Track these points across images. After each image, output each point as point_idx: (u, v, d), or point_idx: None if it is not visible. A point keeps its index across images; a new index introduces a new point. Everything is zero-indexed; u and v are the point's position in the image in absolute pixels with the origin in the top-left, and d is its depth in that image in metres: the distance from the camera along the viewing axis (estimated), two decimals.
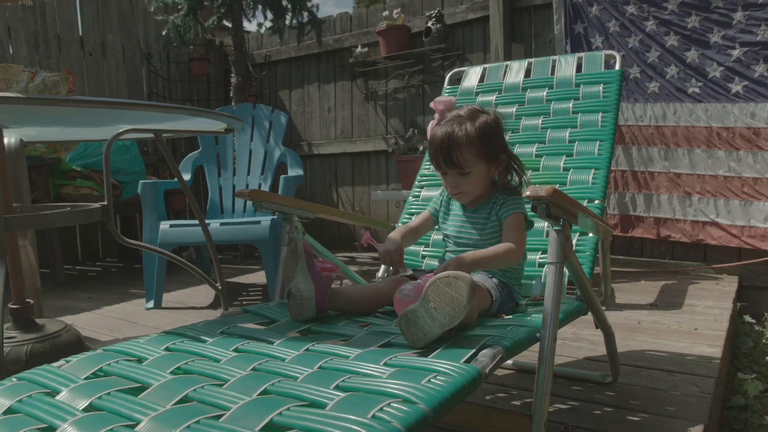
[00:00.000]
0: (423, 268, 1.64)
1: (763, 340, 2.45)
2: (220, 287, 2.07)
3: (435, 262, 1.63)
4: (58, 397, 0.80)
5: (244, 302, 2.88)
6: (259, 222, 2.78)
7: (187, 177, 3.23)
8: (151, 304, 2.77)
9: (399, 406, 0.69)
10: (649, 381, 1.63)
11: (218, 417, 0.71)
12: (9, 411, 0.78)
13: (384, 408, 0.68)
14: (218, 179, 3.39)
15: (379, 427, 0.63)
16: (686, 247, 3.10)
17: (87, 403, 0.77)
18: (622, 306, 2.48)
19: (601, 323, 1.42)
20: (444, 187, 1.41)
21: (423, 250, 1.71)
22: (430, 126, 1.50)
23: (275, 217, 2.82)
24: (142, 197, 2.86)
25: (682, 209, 3.03)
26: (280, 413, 0.69)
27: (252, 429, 0.66)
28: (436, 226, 1.50)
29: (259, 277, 3.48)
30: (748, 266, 2.90)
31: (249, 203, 3.33)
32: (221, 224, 2.76)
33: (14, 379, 0.87)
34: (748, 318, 2.66)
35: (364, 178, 4.36)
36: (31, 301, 1.92)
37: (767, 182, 2.80)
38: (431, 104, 1.47)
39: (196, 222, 2.83)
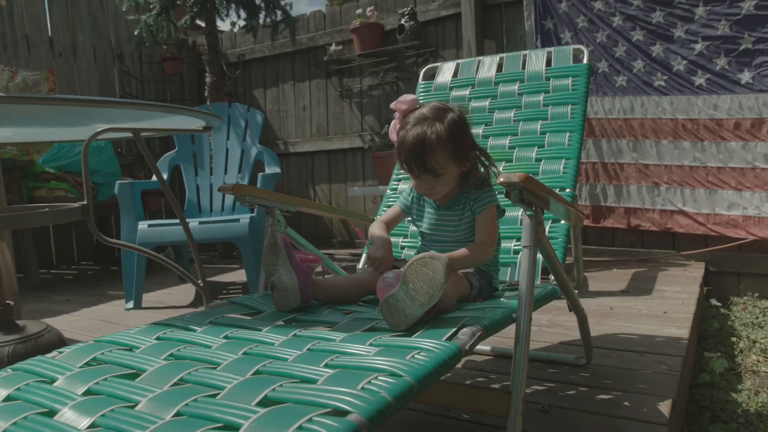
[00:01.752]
0: (403, 257, 1.68)
1: (728, 323, 2.55)
2: (201, 284, 2.09)
3: (413, 253, 1.68)
4: (55, 384, 0.82)
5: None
6: (238, 220, 2.79)
7: (163, 177, 3.23)
8: (130, 304, 2.77)
9: (386, 378, 0.73)
10: (621, 362, 1.71)
11: (214, 396, 0.74)
12: (8, 398, 0.80)
13: (372, 381, 0.73)
14: (195, 178, 3.39)
15: (369, 397, 0.67)
16: (655, 236, 3.21)
17: (85, 389, 0.80)
18: (595, 293, 2.56)
19: (575, 306, 1.49)
20: (415, 187, 1.38)
21: (402, 241, 1.75)
22: (392, 127, 1.43)
23: (254, 215, 2.86)
24: (119, 198, 2.85)
25: (651, 199, 3.14)
26: (274, 389, 0.73)
27: (249, 404, 0.70)
28: (408, 219, 1.50)
29: (238, 276, 3.50)
30: (714, 252, 3.02)
31: (227, 202, 3.35)
32: (200, 223, 2.78)
33: (9, 370, 0.89)
34: (714, 301, 2.77)
35: (340, 175, 4.39)
36: (11, 303, 1.92)
37: (730, 171, 2.92)
38: (392, 105, 1.41)
39: (175, 221, 2.83)
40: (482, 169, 1.39)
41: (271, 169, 3.24)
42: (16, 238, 3.40)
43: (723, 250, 2.98)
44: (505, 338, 1.94)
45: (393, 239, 1.75)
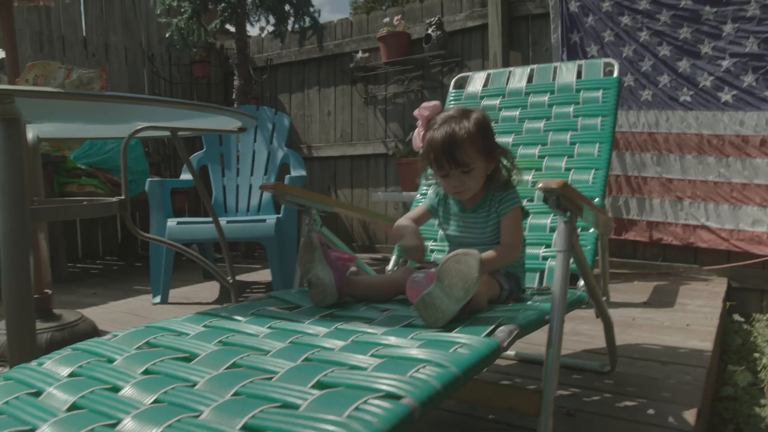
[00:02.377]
0: (432, 260, 1.71)
1: (751, 339, 2.55)
2: (231, 281, 2.14)
3: (442, 257, 1.71)
4: (114, 364, 0.87)
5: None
6: (264, 220, 2.85)
7: (191, 177, 3.29)
8: (157, 299, 2.83)
9: (433, 368, 0.77)
10: (645, 371, 1.72)
11: (269, 379, 0.78)
12: (72, 375, 0.85)
13: (420, 370, 0.76)
14: (222, 179, 3.46)
15: (420, 384, 0.71)
16: (677, 250, 3.21)
17: (144, 369, 0.84)
18: (616, 304, 2.57)
19: (602, 312, 1.51)
20: (443, 188, 1.41)
21: (432, 245, 1.79)
22: (417, 134, 1.47)
23: (280, 216, 2.92)
24: (149, 195, 2.93)
25: (674, 213, 3.14)
26: (326, 374, 0.77)
27: (304, 386, 0.74)
28: (434, 220, 1.52)
29: (260, 276, 3.55)
30: (737, 268, 3.01)
31: (252, 203, 3.40)
32: (227, 222, 2.83)
33: (69, 350, 0.94)
34: (737, 317, 2.76)
35: (362, 180, 4.44)
36: (50, 292, 1.99)
37: (755, 188, 2.92)
38: (415, 112, 1.45)
39: (203, 219, 2.90)
40: (504, 171, 1.41)
41: (297, 172, 3.29)
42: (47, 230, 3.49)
43: (746, 266, 2.97)
44: (528, 344, 1.96)
45: None
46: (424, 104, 1.45)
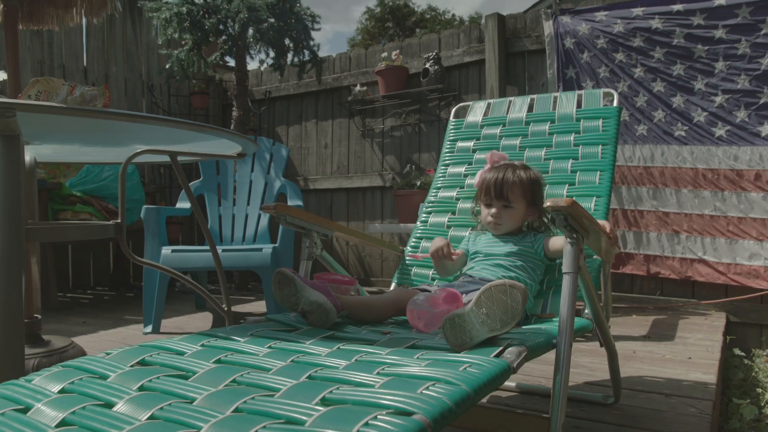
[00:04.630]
0: (433, 291, 1.69)
1: (752, 374, 2.51)
2: (226, 308, 2.09)
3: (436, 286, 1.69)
4: (108, 381, 0.83)
5: None
6: (260, 249, 2.82)
7: (187, 205, 3.28)
8: (149, 328, 2.77)
9: (444, 386, 0.74)
10: (649, 403, 1.68)
11: (271, 396, 0.75)
12: (63, 391, 0.81)
13: (430, 387, 0.73)
14: (218, 208, 3.44)
15: (431, 401, 0.68)
16: (675, 284, 3.19)
17: (138, 385, 0.81)
18: (616, 337, 2.53)
19: (606, 340, 1.48)
20: (482, 216, 1.59)
21: (432, 273, 1.76)
22: (480, 173, 1.69)
23: (276, 245, 2.89)
24: (145, 222, 2.89)
25: (671, 247, 3.14)
26: (331, 391, 0.74)
27: (309, 403, 0.70)
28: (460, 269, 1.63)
29: (255, 307, 3.49)
30: (735, 302, 2.99)
31: (248, 233, 3.38)
32: (223, 250, 2.80)
33: (60, 367, 0.90)
34: (737, 351, 2.73)
35: (359, 213, 4.43)
36: (39, 317, 1.93)
37: (751, 222, 2.93)
38: (487, 155, 1.69)
39: (198, 248, 2.86)
40: (547, 222, 1.59)
41: (294, 202, 3.28)
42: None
43: (744, 300, 2.96)
44: (528, 376, 1.93)
45: (425, 271, 1.77)
46: (498, 152, 1.70)
